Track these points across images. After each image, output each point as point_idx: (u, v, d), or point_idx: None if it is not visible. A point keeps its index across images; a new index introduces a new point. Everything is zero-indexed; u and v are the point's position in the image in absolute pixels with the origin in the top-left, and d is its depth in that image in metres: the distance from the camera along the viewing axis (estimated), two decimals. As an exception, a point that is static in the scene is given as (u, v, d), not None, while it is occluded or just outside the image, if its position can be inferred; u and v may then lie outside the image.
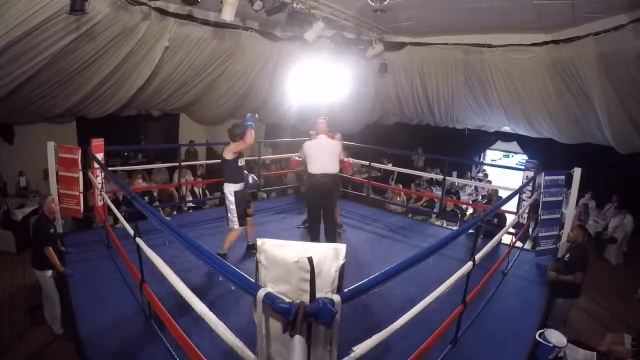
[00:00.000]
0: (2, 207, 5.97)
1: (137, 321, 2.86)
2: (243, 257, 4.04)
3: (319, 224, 4.23)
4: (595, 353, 3.11)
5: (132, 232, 2.58)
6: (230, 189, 3.73)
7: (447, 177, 5.96)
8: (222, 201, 3.96)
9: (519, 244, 4.80)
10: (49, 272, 3.62)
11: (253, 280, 1.47)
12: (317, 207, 4.16)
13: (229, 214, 3.78)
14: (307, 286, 1.39)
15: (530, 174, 4.94)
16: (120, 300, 3.14)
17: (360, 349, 1.60)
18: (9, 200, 6.35)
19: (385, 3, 4.79)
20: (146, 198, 5.84)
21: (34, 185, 7.12)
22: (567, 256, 3.81)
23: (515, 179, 8.02)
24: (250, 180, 4.00)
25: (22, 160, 6.96)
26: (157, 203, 5.96)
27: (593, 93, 5.89)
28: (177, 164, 5.83)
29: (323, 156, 4.04)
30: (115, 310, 3.00)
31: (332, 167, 4.09)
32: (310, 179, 4.14)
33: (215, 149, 10.07)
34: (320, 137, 4.16)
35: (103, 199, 4.33)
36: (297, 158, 5.47)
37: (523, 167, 5.63)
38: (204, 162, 8.38)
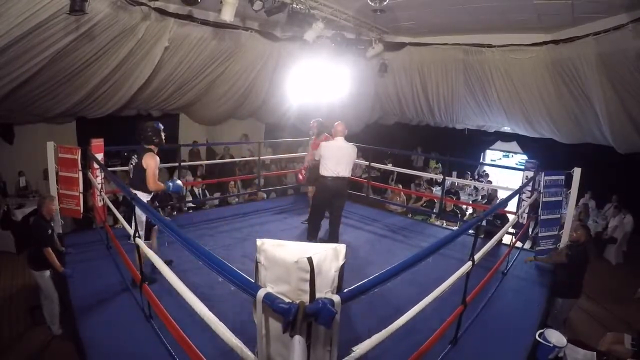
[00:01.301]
0: (2, 207, 5.96)
1: (137, 321, 2.85)
2: (243, 257, 4.04)
3: (320, 221, 4.22)
4: (595, 353, 3.10)
5: (131, 232, 2.58)
6: (142, 198, 3.29)
7: (447, 177, 5.95)
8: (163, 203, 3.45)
9: (518, 244, 4.80)
10: (47, 272, 3.61)
11: (253, 281, 1.47)
12: (325, 205, 4.15)
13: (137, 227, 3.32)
14: (306, 286, 1.39)
15: (530, 174, 4.93)
16: (120, 300, 3.15)
17: (360, 349, 1.60)
18: (8, 200, 6.34)
19: (385, 3, 4.78)
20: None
21: (33, 185, 7.12)
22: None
23: (515, 179, 8.01)
24: (172, 186, 3.55)
25: (22, 160, 6.95)
26: (157, 203, 5.94)
27: (593, 93, 5.89)
28: (177, 164, 5.83)
29: (339, 159, 4.00)
30: (115, 310, 3.00)
31: (346, 172, 4.06)
32: (321, 180, 4.09)
33: (215, 150, 10.07)
34: (337, 140, 4.09)
35: (103, 199, 4.34)
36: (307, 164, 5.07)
37: (523, 167, 5.63)
38: (204, 162, 8.36)
